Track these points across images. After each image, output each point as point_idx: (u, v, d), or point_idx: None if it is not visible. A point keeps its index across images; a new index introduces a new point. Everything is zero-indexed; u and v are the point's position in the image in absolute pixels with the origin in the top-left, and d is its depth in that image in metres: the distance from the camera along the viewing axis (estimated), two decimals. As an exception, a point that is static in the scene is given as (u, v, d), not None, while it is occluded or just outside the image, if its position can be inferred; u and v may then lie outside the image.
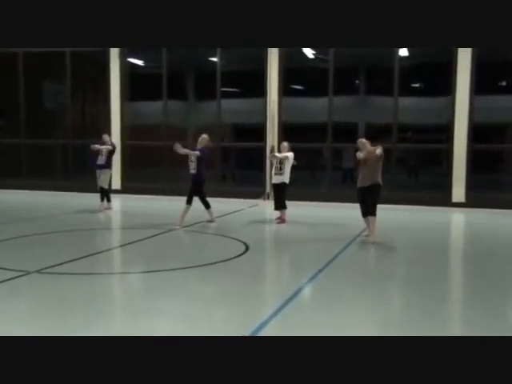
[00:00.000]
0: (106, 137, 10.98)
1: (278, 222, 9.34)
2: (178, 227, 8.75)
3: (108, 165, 10.72)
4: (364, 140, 8.00)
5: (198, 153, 8.90)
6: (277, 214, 9.54)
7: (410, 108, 12.55)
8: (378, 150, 7.54)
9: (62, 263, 6.22)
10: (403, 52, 12.33)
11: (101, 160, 10.62)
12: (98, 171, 10.68)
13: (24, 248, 7.32)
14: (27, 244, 7.57)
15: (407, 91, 12.61)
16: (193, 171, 8.97)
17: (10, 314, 4.55)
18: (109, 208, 10.60)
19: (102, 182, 10.61)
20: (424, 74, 12.85)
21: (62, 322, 4.37)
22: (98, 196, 10.68)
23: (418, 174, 13.41)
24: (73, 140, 14.25)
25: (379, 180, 7.73)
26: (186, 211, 8.92)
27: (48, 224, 9.29)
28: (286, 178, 9.35)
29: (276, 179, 9.48)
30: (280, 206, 9.40)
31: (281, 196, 9.41)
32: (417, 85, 13.36)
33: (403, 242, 8.21)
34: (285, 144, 9.58)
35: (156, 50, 13.59)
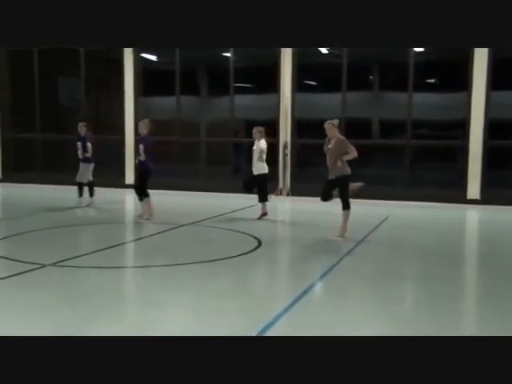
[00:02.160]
0: (81, 127, 10.60)
1: (260, 217, 9.26)
2: (145, 221, 8.78)
3: (88, 159, 10.50)
4: (331, 123, 7.60)
5: (141, 147, 8.87)
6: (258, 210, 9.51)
7: (425, 104, 12.43)
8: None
9: (76, 257, 6.26)
10: (418, 47, 12.23)
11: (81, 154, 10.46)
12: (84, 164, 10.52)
13: (39, 241, 7.39)
14: (42, 237, 7.64)
15: (422, 87, 12.49)
16: (139, 159, 8.88)
17: (24, 306, 4.59)
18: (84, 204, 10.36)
19: (83, 176, 10.42)
20: (439, 69, 12.72)
21: (73, 314, 4.41)
22: (112, 190, 10.70)
23: (415, 168, 13.14)
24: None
25: (337, 173, 7.49)
26: (148, 204, 8.92)
27: (63, 218, 9.36)
28: (263, 168, 9.27)
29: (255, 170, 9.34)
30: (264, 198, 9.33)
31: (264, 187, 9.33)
32: (432, 80, 13.22)
33: (416, 240, 8.15)
34: (260, 129, 9.44)
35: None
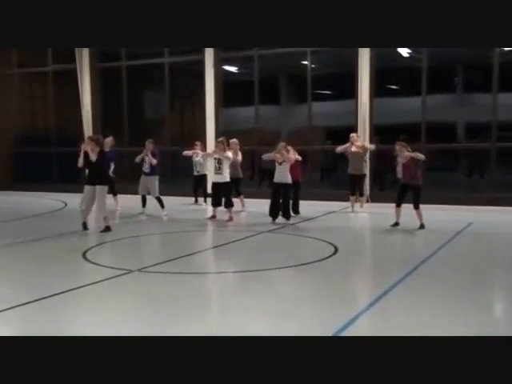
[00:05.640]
0: (149, 144, 10.91)
1: (227, 221, 9.76)
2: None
3: (153, 172, 10.72)
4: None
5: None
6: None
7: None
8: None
9: (160, 263, 6.61)
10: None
11: (145, 167, 10.74)
12: (144, 178, 10.80)
13: (130, 248, 7.88)
14: (133, 244, 8.12)
15: (508, 87, 11.96)
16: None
17: (112, 308, 4.92)
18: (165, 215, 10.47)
19: (152, 190, 10.62)
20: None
21: (156, 317, 4.66)
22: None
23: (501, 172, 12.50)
24: (171, 147, 14.94)
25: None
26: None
27: (152, 225, 9.85)
28: (227, 177, 9.85)
29: (218, 178, 9.89)
30: (230, 204, 9.90)
31: (228, 194, 9.93)
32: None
33: (502, 247, 7.83)
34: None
35: (248, 57, 13.96)
